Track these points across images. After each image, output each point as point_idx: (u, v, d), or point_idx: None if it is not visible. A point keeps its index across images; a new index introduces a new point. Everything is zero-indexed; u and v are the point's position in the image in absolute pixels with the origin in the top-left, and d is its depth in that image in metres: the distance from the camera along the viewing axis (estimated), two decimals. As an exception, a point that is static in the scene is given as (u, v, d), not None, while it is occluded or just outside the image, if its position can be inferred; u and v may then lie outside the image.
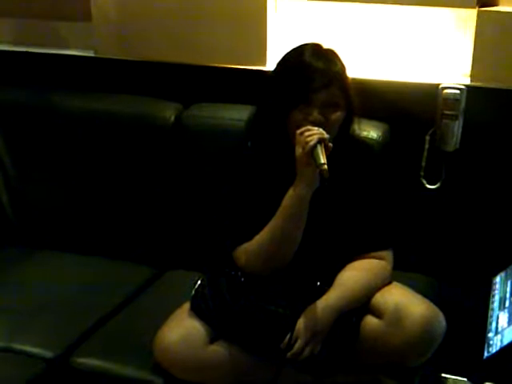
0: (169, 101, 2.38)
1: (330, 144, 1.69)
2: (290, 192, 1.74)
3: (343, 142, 1.83)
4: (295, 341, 1.72)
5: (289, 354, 1.72)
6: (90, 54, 2.57)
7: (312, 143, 1.67)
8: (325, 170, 1.64)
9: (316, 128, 1.71)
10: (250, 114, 1.97)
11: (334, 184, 1.67)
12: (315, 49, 1.82)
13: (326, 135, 1.70)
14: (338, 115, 1.79)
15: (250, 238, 1.81)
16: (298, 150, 1.70)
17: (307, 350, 1.72)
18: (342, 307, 1.75)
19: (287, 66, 1.82)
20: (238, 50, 2.35)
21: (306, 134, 1.69)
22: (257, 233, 1.80)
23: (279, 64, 1.86)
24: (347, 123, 1.85)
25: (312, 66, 1.76)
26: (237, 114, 2.17)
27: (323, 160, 1.65)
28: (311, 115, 1.75)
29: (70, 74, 2.59)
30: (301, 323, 1.73)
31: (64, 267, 2.38)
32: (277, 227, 1.77)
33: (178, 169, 2.33)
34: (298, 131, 1.71)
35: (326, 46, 1.85)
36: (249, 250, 1.81)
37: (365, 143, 2.04)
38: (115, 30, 2.51)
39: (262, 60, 2.29)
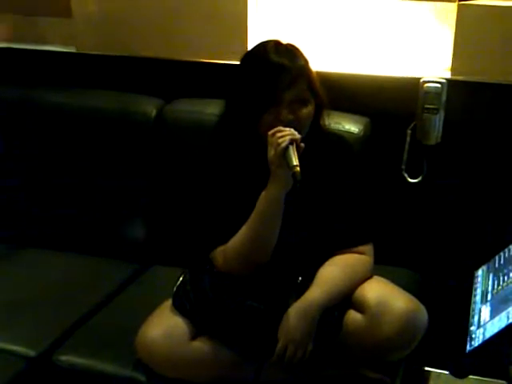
0: (150, 96, 2.38)
1: (302, 144, 1.68)
2: (264, 193, 1.74)
3: (316, 137, 1.82)
4: (285, 348, 1.72)
5: (284, 361, 1.72)
6: (71, 49, 2.56)
7: (283, 145, 1.66)
8: (297, 172, 1.63)
9: (287, 129, 1.69)
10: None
11: (312, 179, 1.67)
12: (277, 46, 1.80)
13: (298, 135, 1.69)
14: (307, 111, 1.78)
15: (226, 239, 1.81)
16: (270, 152, 1.69)
17: (300, 353, 1.72)
18: (324, 304, 1.74)
19: (252, 66, 1.80)
20: (219, 45, 2.35)
21: (278, 135, 1.68)
22: (233, 234, 1.80)
23: (243, 65, 1.84)
24: (317, 117, 1.84)
25: (278, 64, 1.74)
26: (218, 109, 2.15)
27: (295, 162, 1.64)
28: (281, 115, 1.73)
29: (51, 70, 2.57)
30: (286, 328, 1.72)
31: (46, 265, 2.37)
32: (252, 229, 1.77)
33: (159, 164, 2.33)
34: (270, 132, 1.70)
35: (285, 41, 1.83)
36: (226, 251, 1.81)
37: (343, 137, 2.03)
38: (96, 26, 2.50)
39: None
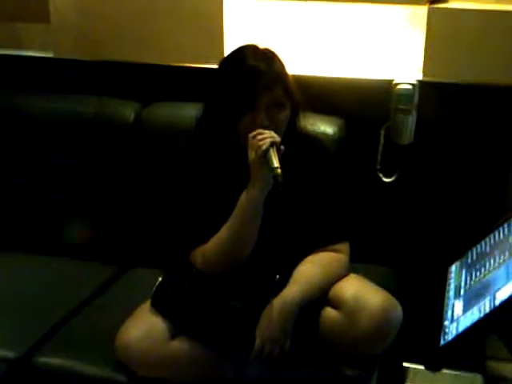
0: (128, 100, 2.39)
1: (282, 147, 1.71)
2: (244, 195, 1.76)
3: (292, 138, 1.85)
4: (263, 346, 1.73)
5: (261, 359, 1.73)
6: (49, 54, 2.56)
7: (264, 147, 1.68)
8: (279, 174, 1.66)
9: (268, 131, 1.72)
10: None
11: (289, 180, 1.69)
12: (255, 50, 1.83)
13: (278, 138, 1.71)
14: (283, 115, 1.82)
15: (205, 240, 1.83)
16: (251, 154, 1.71)
17: (277, 351, 1.73)
18: (301, 301, 1.76)
19: (229, 70, 1.83)
20: (195, 49, 2.37)
21: (259, 137, 1.71)
22: (212, 235, 1.82)
23: (221, 69, 1.87)
24: (293, 119, 1.87)
25: (255, 68, 1.77)
26: (195, 113, 2.17)
27: (276, 164, 1.67)
28: (258, 119, 1.76)
29: (29, 75, 2.57)
30: (264, 326, 1.74)
31: (24, 267, 2.35)
32: (232, 229, 1.79)
33: (137, 167, 2.34)
34: (250, 135, 1.73)
35: (262, 45, 1.86)
36: (205, 252, 1.83)
37: (318, 138, 2.06)
38: (74, 31, 2.51)
39: (220, 59, 2.30)
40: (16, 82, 2.58)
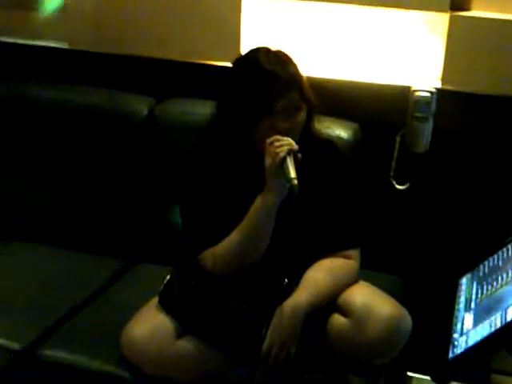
0: (142, 95, 2.38)
1: (300, 155, 1.69)
2: (258, 201, 1.74)
3: (306, 141, 1.82)
4: (270, 348, 1.72)
5: (268, 362, 1.72)
6: (64, 45, 2.55)
7: (282, 155, 1.66)
8: (295, 185, 1.64)
9: (285, 138, 1.70)
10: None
11: (302, 184, 1.67)
12: (269, 54, 1.79)
13: (296, 146, 1.69)
14: (300, 118, 1.79)
15: (215, 242, 1.81)
16: (268, 161, 1.69)
17: (283, 355, 1.72)
18: (310, 307, 1.75)
19: (244, 74, 1.79)
20: (212, 47, 2.36)
21: (276, 144, 1.69)
22: (223, 238, 1.80)
23: (236, 74, 1.83)
24: (308, 122, 1.85)
25: (271, 73, 1.74)
26: (209, 110, 2.16)
27: (293, 174, 1.65)
28: (276, 125, 1.74)
29: (44, 66, 2.57)
30: (272, 329, 1.73)
31: (33, 259, 2.36)
32: (244, 234, 1.78)
33: (149, 163, 2.33)
34: (268, 141, 1.71)
35: (274, 47, 1.83)
36: (216, 254, 1.82)
37: (333, 142, 2.04)
38: (90, 23, 2.50)
39: (236, 57, 2.30)
40: (30, 72, 2.57)
